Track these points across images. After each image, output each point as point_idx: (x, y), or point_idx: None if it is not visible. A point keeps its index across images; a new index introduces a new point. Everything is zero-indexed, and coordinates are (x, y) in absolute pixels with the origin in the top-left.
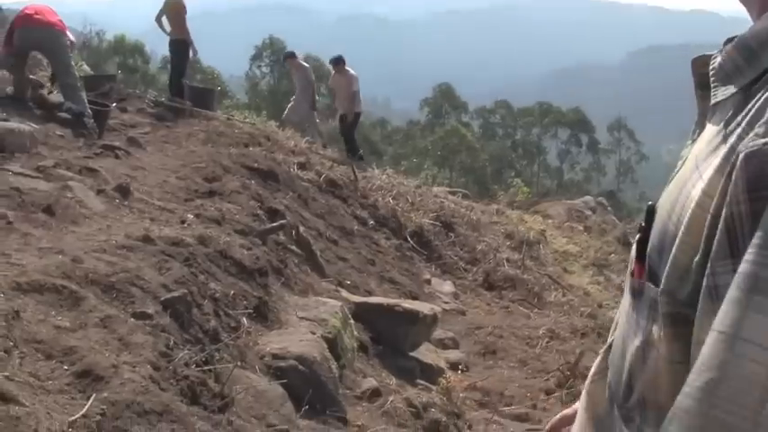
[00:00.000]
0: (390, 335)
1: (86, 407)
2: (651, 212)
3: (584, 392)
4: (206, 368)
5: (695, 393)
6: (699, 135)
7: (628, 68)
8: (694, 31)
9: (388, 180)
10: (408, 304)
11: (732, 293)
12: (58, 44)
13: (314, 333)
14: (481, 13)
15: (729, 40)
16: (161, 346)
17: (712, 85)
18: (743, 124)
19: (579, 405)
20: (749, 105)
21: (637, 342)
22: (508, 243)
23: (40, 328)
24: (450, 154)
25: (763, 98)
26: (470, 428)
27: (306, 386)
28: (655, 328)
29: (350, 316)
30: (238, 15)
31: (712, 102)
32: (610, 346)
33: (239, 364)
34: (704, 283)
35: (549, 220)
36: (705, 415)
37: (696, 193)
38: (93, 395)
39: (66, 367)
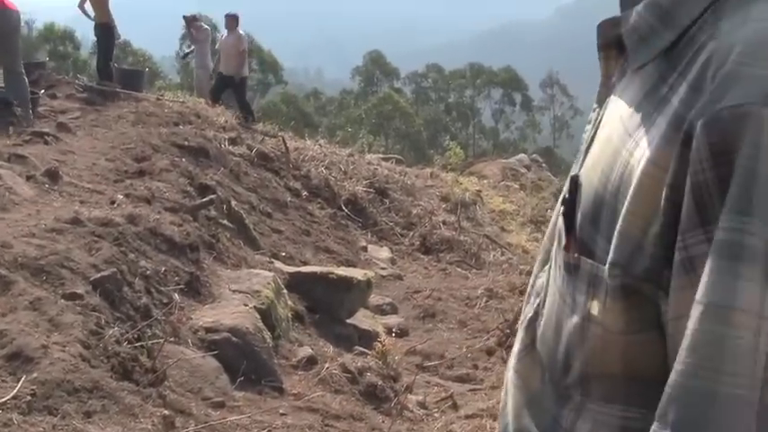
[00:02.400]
0: (326, 303)
1: (17, 388)
2: (576, 183)
3: (512, 371)
4: (137, 345)
5: (694, 371)
6: (608, 98)
7: (557, 24)
8: None
9: (320, 150)
10: (342, 271)
11: (715, 263)
12: (14, 27)
13: (246, 305)
14: None
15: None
16: (91, 325)
17: (629, 48)
18: (681, 89)
19: (509, 383)
20: (680, 68)
21: (575, 319)
22: (444, 206)
23: None
24: (384, 121)
25: (700, 61)
26: (411, 392)
27: (240, 357)
28: (596, 303)
29: (283, 286)
30: None
31: (634, 66)
32: (530, 321)
33: (172, 339)
34: (676, 257)
35: (485, 181)
36: (711, 392)
37: (637, 161)
38: (24, 377)
39: None
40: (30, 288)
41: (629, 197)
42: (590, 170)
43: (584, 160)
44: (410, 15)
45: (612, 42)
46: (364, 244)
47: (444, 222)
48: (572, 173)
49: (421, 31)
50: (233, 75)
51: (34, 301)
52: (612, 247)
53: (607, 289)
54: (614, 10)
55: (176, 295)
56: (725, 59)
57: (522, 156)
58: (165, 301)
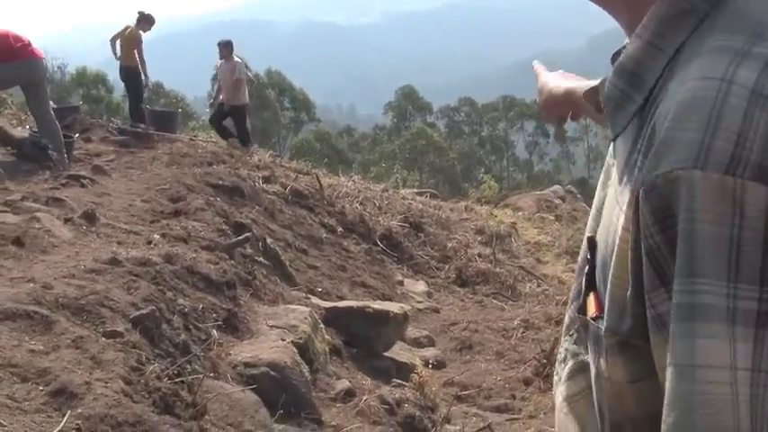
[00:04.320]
0: (363, 337)
1: (62, 423)
2: (594, 245)
3: (568, 414)
4: (178, 380)
5: (674, 430)
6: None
7: (589, 54)
8: None
9: (354, 186)
10: (378, 305)
11: (674, 327)
12: (42, 75)
13: (284, 340)
14: (436, 13)
15: (615, 56)
16: (132, 361)
17: (608, 116)
18: (641, 154)
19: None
20: (644, 132)
21: (593, 373)
22: (479, 238)
23: (15, 353)
24: (418, 156)
25: (650, 126)
26: (449, 422)
27: (279, 391)
28: (601, 361)
29: (320, 321)
30: (199, 36)
31: (613, 135)
32: (577, 365)
33: (211, 374)
34: (648, 315)
35: (520, 213)
36: None
37: (619, 226)
38: (68, 412)
39: (41, 388)
40: (71, 327)
41: (612, 261)
42: (600, 233)
43: (599, 220)
44: (440, 50)
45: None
46: (400, 278)
47: (480, 255)
48: (589, 233)
49: (452, 64)
50: (232, 103)
51: (76, 340)
52: (606, 310)
53: (606, 347)
54: None
55: (214, 331)
56: (662, 126)
57: (556, 187)
58: (203, 337)
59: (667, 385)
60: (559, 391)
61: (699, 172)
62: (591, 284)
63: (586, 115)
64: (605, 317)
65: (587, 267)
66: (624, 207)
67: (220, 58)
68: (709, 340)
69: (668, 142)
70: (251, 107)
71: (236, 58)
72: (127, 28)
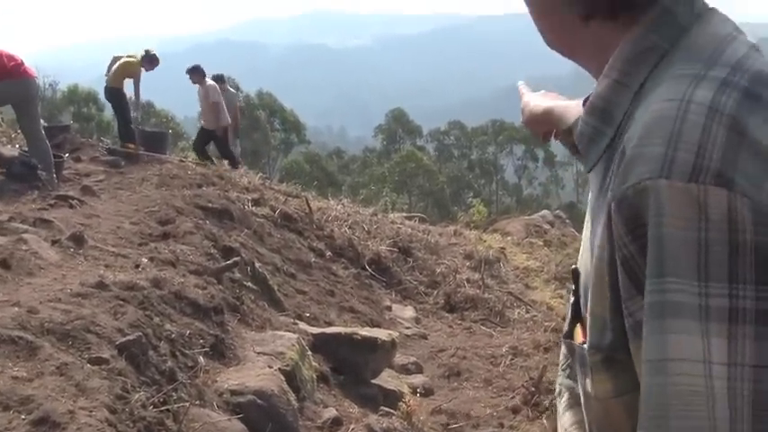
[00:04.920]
0: (351, 364)
1: None
2: (577, 275)
3: None
4: (163, 408)
5: (649, 424)
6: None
7: (578, 77)
8: None
9: (343, 210)
10: (366, 332)
11: (647, 325)
12: (34, 94)
13: (271, 367)
14: (426, 36)
15: (585, 101)
16: (117, 389)
17: (582, 152)
18: (612, 180)
19: None
20: (615, 159)
21: (583, 395)
22: (467, 264)
23: None
24: (407, 179)
25: (620, 151)
26: None
27: (265, 420)
28: (587, 381)
29: (308, 348)
30: (190, 56)
31: (586, 169)
32: (572, 398)
33: (198, 402)
34: (627, 325)
35: (509, 238)
36: None
37: (595, 247)
38: None
39: (23, 417)
40: (56, 353)
41: (591, 281)
42: (581, 261)
43: (580, 254)
44: (431, 73)
45: (575, 147)
46: (388, 303)
47: (468, 280)
48: (573, 266)
49: (443, 87)
50: (211, 128)
51: (61, 366)
52: (588, 328)
53: (591, 365)
54: None
55: (201, 358)
56: (629, 146)
57: (545, 212)
58: (190, 364)
59: (642, 381)
60: (560, 424)
61: (665, 181)
62: (576, 314)
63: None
64: (588, 335)
65: (572, 298)
66: (599, 228)
67: (193, 83)
68: (681, 335)
69: (635, 158)
70: (238, 128)
71: (209, 82)
72: (132, 57)
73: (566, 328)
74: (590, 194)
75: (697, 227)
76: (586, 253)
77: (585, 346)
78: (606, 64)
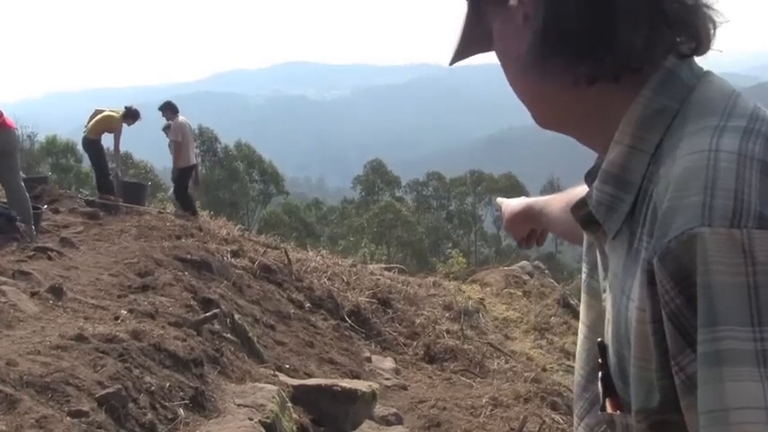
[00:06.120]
0: (331, 415)
1: None
2: (603, 348)
3: None
4: None
5: None
6: (604, 265)
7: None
8: None
9: (322, 261)
10: (346, 383)
11: (702, 375)
12: (14, 146)
13: (251, 419)
14: (405, 87)
15: (588, 175)
16: None
17: (601, 221)
18: (645, 238)
19: None
20: (641, 220)
21: None
22: (447, 314)
23: None
24: (386, 230)
25: (650, 210)
26: None
27: None
28: None
29: (288, 399)
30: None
31: (611, 235)
32: None
33: None
34: (677, 381)
35: (488, 288)
36: None
37: (632, 313)
38: None
39: None
40: (35, 406)
41: (632, 345)
42: (611, 334)
43: (607, 327)
44: (409, 123)
45: (587, 220)
46: (368, 354)
47: (448, 331)
48: (599, 340)
49: (418, 138)
50: (173, 166)
51: (40, 420)
52: (632, 394)
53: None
54: None
55: (181, 410)
56: (663, 200)
57: (524, 263)
58: (169, 416)
59: None
60: None
61: (707, 229)
62: (607, 388)
63: (553, 233)
64: (633, 400)
65: (601, 373)
66: (635, 292)
67: (166, 120)
68: (739, 383)
69: (673, 210)
70: (196, 173)
71: (180, 118)
72: (114, 111)
73: (581, 413)
74: (609, 264)
75: (744, 271)
76: (618, 320)
77: (629, 415)
78: (608, 129)
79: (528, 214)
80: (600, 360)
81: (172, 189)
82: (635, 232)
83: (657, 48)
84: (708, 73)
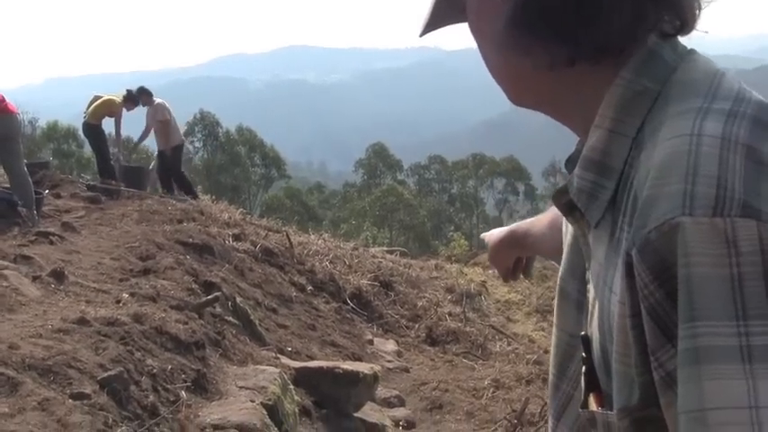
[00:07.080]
0: (333, 397)
1: None
2: (587, 341)
3: None
4: None
5: None
6: (587, 255)
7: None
8: None
9: (324, 245)
10: (348, 365)
11: (682, 373)
12: (16, 130)
13: (253, 401)
14: (405, 70)
15: (568, 161)
16: (99, 424)
17: (582, 209)
18: (626, 227)
19: None
20: (623, 208)
21: None
22: (449, 297)
23: None
24: (388, 213)
25: (630, 197)
26: None
27: None
28: None
29: (289, 382)
30: (169, 91)
31: (593, 223)
32: None
33: None
34: (656, 378)
35: (489, 271)
36: None
37: (614, 306)
38: None
39: None
40: (37, 389)
41: (614, 339)
42: (595, 326)
43: (590, 320)
44: (410, 107)
45: (570, 207)
46: (370, 337)
47: (450, 314)
48: (582, 333)
49: (419, 122)
50: (163, 149)
51: (42, 402)
52: (615, 390)
53: (620, 430)
54: None
55: (183, 393)
56: (643, 188)
57: None
58: (172, 398)
59: None
60: None
61: (688, 218)
62: (590, 383)
63: (541, 254)
64: (615, 398)
65: (584, 367)
66: (616, 284)
67: (143, 106)
68: (721, 381)
69: (652, 199)
70: (184, 151)
71: (157, 101)
72: (114, 96)
73: (555, 412)
74: (596, 252)
75: (728, 263)
76: (602, 313)
77: (611, 411)
78: (588, 112)
79: (512, 239)
80: (584, 354)
81: (158, 179)
82: (617, 221)
83: (641, 25)
84: (691, 51)
